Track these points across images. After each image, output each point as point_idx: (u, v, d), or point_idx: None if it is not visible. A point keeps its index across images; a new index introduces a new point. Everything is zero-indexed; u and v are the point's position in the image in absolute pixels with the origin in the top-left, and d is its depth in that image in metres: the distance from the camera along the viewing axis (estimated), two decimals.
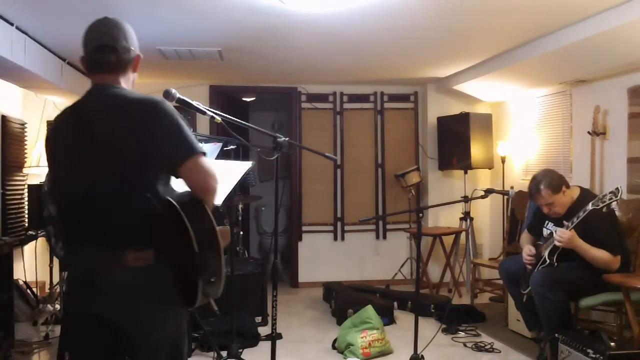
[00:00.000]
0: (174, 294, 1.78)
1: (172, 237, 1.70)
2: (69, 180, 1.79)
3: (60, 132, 1.84)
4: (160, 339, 1.79)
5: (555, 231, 3.36)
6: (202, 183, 1.73)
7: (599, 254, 3.27)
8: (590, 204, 3.14)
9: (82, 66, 1.86)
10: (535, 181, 3.48)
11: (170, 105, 1.77)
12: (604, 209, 3.11)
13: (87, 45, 1.83)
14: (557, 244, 3.30)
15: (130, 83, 1.88)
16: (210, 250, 1.73)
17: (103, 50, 1.79)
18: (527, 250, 3.63)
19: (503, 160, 5.67)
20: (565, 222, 3.35)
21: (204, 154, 1.74)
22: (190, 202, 1.73)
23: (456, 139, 5.80)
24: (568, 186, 3.49)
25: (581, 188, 3.60)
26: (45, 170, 4.25)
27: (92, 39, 1.82)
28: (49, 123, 5.04)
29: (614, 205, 3.22)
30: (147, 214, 1.70)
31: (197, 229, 1.68)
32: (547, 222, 3.63)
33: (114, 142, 1.71)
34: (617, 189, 3.03)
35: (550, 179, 3.43)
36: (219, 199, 2.48)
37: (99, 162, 1.71)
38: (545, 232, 3.61)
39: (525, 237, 3.84)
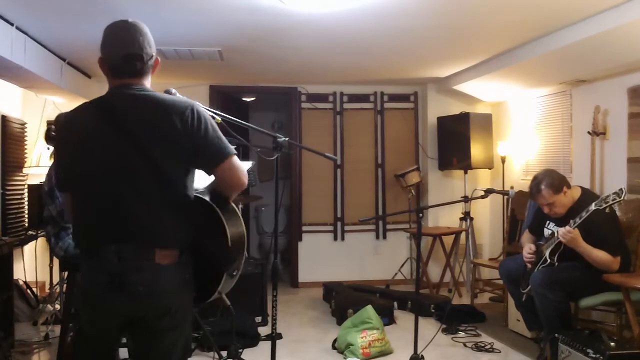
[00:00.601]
0: (192, 290, 1.86)
1: (204, 233, 1.80)
2: (98, 180, 1.78)
3: (84, 127, 1.82)
4: (176, 337, 1.86)
5: (557, 231, 3.36)
6: (237, 180, 1.83)
7: (600, 255, 3.27)
8: (593, 204, 3.14)
9: (102, 68, 1.87)
10: (536, 181, 3.48)
11: (202, 108, 1.85)
12: (607, 210, 3.11)
13: (113, 51, 1.83)
14: (562, 239, 3.29)
15: (150, 84, 1.91)
16: (239, 245, 1.87)
17: (132, 58, 1.81)
18: (528, 248, 3.63)
19: (503, 160, 5.67)
20: (571, 220, 3.34)
21: (236, 154, 1.85)
22: (220, 199, 1.85)
23: (456, 139, 5.80)
24: (569, 186, 3.49)
25: (582, 188, 3.60)
26: (45, 170, 4.26)
27: (120, 46, 1.82)
28: (49, 123, 5.04)
29: (615, 205, 3.22)
30: (180, 212, 1.79)
31: (231, 225, 1.81)
32: (548, 222, 3.63)
33: (153, 142, 1.75)
34: (620, 189, 3.03)
35: (551, 179, 3.43)
36: None
37: (136, 162, 1.75)
38: (546, 232, 3.61)
39: (526, 237, 3.84)
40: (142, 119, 1.77)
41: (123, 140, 1.75)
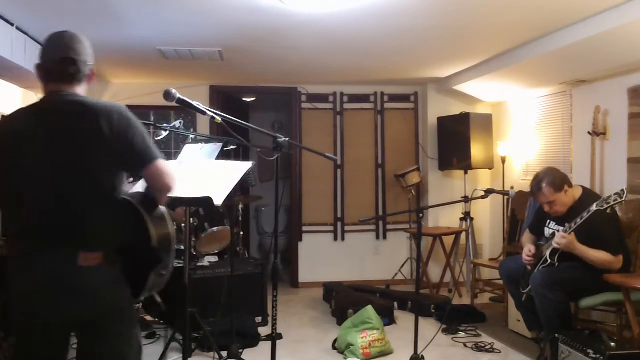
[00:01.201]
0: (126, 289, 1.92)
1: (131, 234, 1.88)
2: (25, 184, 1.82)
3: (14, 134, 1.87)
4: (120, 332, 1.92)
5: (558, 230, 3.36)
6: (162, 184, 1.91)
7: (598, 255, 3.27)
8: (594, 204, 3.14)
9: (38, 73, 1.92)
10: (537, 179, 3.48)
11: (130, 111, 1.90)
12: (608, 210, 3.11)
13: (48, 55, 1.90)
14: (556, 245, 3.30)
15: (84, 93, 1.95)
16: (165, 245, 1.94)
17: (66, 62, 1.87)
18: (527, 250, 3.63)
19: (503, 160, 5.67)
20: (566, 224, 3.35)
21: (163, 158, 1.93)
22: (147, 201, 1.93)
23: (456, 139, 5.80)
24: (570, 185, 3.49)
25: (583, 188, 3.59)
26: None
27: (56, 51, 1.89)
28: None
29: (616, 206, 3.21)
30: (109, 214, 1.85)
31: (155, 225, 1.89)
32: (548, 221, 3.63)
33: (80, 146, 1.81)
34: (622, 190, 3.03)
35: (552, 177, 3.43)
36: (219, 199, 2.49)
37: (65, 166, 1.80)
38: (547, 231, 3.61)
39: (526, 236, 3.83)
40: (71, 124, 1.82)
41: (52, 146, 1.80)
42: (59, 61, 1.87)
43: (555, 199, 3.42)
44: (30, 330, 1.86)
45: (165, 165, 1.91)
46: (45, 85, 1.91)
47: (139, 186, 2.49)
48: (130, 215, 1.89)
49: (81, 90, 1.93)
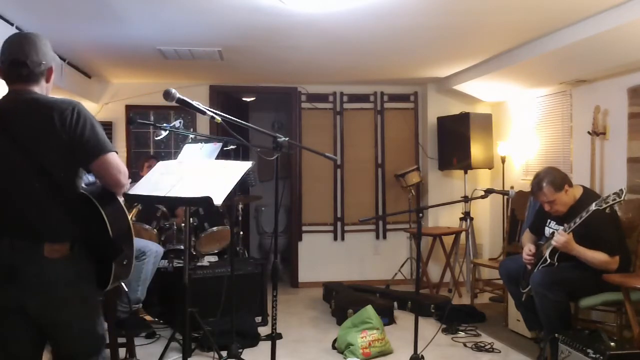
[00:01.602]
0: (91, 280, 2.01)
1: (90, 226, 1.95)
2: None
3: None
4: (84, 326, 2.00)
5: (558, 230, 3.36)
6: (111, 177, 1.98)
7: (595, 256, 3.27)
8: (593, 204, 3.14)
9: (0, 75, 2.04)
10: (537, 178, 3.48)
11: (85, 108, 1.98)
12: (607, 210, 3.11)
13: (3, 57, 2.00)
14: (555, 244, 3.30)
15: (44, 91, 2.04)
16: (124, 236, 2.03)
17: (16, 64, 1.97)
18: (527, 249, 3.63)
19: (503, 160, 5.67)
20: (565, 224, 3.35)
21: (116, 152, 2.00)
22: (104, 194, 2.01)
23: (456, 139, 5.80)
24: (571, 185, 3.49)
25: (584, 188, 3.60)
26: None
27: (9, 53, 1.99)
28: None
29: (615, 205, 3.22)
30: (66, 207, 1.93)
31: (112, 217, 1.97)
32: (549, 220, 3.63)
33: (34, 141, 1.90)
34: (621, 190, 3.03)
35: (553, 177, 3.43)
36: (219, 199, 2.49)
37: (20, 161, 1.89)
38: (547, 231, 3.61)
39: (526, 236, 3.83)
40: (26, 121, 1.92)
41: (8, 142, 1.90)
42: (10, 63, 1.97)
43: (555, 199, 3.42)
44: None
45: (115, 159, 1.97)
46: (8, 86, 2.01)
47: (140, 186, 2.50)
48: (86, 208, 1.96)
49: (39, 87, 2.01)
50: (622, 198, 3.02)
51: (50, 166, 1.91)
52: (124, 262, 2.04)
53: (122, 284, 2.08)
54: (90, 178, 2.30)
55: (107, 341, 2.15)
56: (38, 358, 2.05)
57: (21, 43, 1.98)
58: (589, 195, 3.49)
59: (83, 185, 2.05)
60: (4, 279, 1.89)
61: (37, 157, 1.89)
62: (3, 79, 2.01)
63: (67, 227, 1.93)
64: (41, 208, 1.91)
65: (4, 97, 2.00)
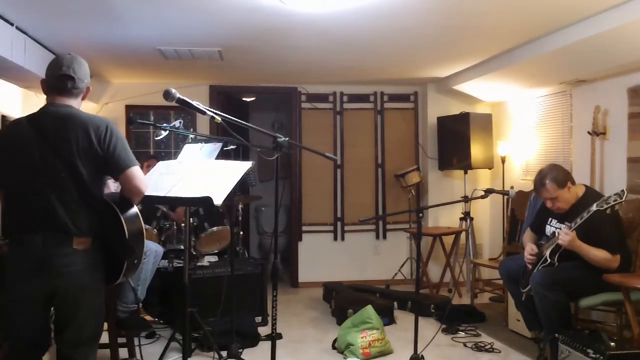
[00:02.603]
0: (102, 273, 2.29)
1: (109, 228, 2.24)
2: (27, 181, 2.19)
3: (18, 138, 2.23)
4: (92, 307, 2.28)
5: (560, 228, 3.37)
6: (134, 187, 2.27)
7: (598, 254, 3.28)
8: (594, 205, 3.14)
9: (42, 87, 2.32)
10: (541, 175, 3.49)
11: (115, 125, 2.29)
12: (608, 211, 3.11)
13: (51, 72, 2.29)
14: (560, 242, 3.30)
15: (79, 106, 2.33)
16: (137, 238, 2.31)
17: (64, 78, 2.26)
18: (529, 249, 3.63)
19: (503, 160, 5.67)
20: (567, 223, 3.35)
21: (140, 166, 2.33)
22: (122, 201, 2.30)
23: (456, 139, 5.80)
24: (573, 183, 3.49)
25: (586, 187, 3.60)
26: None
27: (57, 68, 2.27)
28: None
29: (617, 206, 3.22)
30: (93, 209, 2.22)
31: (129, 222, 2.26)
32: (550, 219, 3.63)
33: (71, 151, 2.16)
34: (622, 191, 3.04)
35: (556, 173, 3.45)
36: (219, 199, 2.50)
37: (58, 168, 2.17)
38: (549, 229, 3.61)
39: (527, 235, 3.84)
40: (64, 132, 2.18)
41: (48, 150, 2.18)
42: (58, 77, 2.26)
43: (558, 195, 3.43)
44: (20, 299, 2.22)
45: (139, 171, 2.28)
46: (47, 98, 2.29)
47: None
48: (108, 211, 2.25)
49: (76, 103, 2.30)
50: (623, 199, 3.03)
51: (83, 174, 2.18)
52: (135, 262, 2.31)
53: (130, 280, 2.48)
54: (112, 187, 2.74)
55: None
56: (46, 342, 2.31)
57: (71, 61, 2.28)
58: (591, 194, 3.49)
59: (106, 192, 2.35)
60: (34, 273, 2.15)
61: (72, 165, 2.17)
62: (45, 91, 2.29)
63: (92, 224, 2.22)
64: (72, 208, 2.18)
65: (42, 108, 2.27)
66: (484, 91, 5.68)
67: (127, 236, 2.23)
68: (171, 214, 4.77)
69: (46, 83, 2.30)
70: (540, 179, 3.48)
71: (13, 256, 2.23)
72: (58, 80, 2.26)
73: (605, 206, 3.08)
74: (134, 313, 3.46)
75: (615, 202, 3.05)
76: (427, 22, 3.68)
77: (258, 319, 4.60)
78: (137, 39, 4.09)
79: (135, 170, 2.26)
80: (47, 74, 2.30)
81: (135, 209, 2.34)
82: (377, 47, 4.39)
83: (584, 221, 3.22)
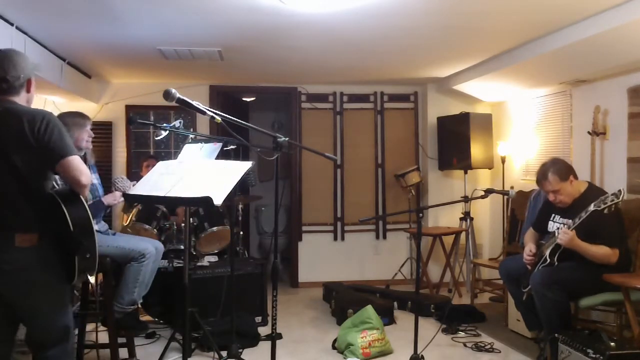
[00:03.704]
0: (58, 270, 2.24)
1: (54, 222, 2.19)
2: None
3: None
4: (51, 306, 2.26)
5: (563, 224, 3.37)
6: (72, 177, 2.21)
7: (597, 250, 3.29)
8: (592, 205, 3.15)
9: None
10: (544, 167, 3.51)
11: (55, 117, 2.24)
12: (605, 211, 3.12)
13: None
14: (559, 241, 3.30)
15: (25, 100, 2.31)
16: (84, 231, 2.24)
17: None
18: (528, 249, 3.63)
19: (503, 160, 5.67)
20: (567, 221, 3.35)
21: (79, 156, 2.26)
22: (69, 194, 2.26)
23: (456, 139, 5.80)
24: (576, 177, 3.51)
25: (589, 183, 3.62)
26: None
27: None
28: None
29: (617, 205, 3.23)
30: (35, 204, 2.18)
31: (73, 213, 2.21)
32: (553, 215, 3.63)
33: (8, 144, 2.14)
34: (619, 190, 3.05)
35: (559, 166, 3.47)
36: (219, 199, 2.49)
37: None
38: (552, 225, 3.61)
39: (529, 234, 3.84)
40: (4, 128, 2.16)
41: None
42: None
43: (560, 188, 3.44)
44: None
45: (75, 161, 2.21)
46: None
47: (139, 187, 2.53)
48: (52, 206, 2.20)
49: (20, 98, 2.27)
50: (620, 199, 3.04)
51: (21, 167, 2.15)
52: (87, 256, 2.26)
53: (90, 278, 2.38)
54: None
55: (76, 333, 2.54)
56: (11, 336, 2.34)
57: (2, 61, 2.24)
58: (593, 190, 3.50)
59: (56, 186, 2.29)
60: None
61: (11, 159, 2.14)
62: None
63: (36, 220, 2.18)
64: (13, 204, 2.16)
65: None
66: (484, 91, 5.68)
67: (71, 228, 2.19)
68: (171, 217, 4.77)
69: None
70: (543, 172, 3.50)
71: None
72: None
73: (603, 206, 3.09)
74: (132, 314, 3.45)
75: (613, 202, 3.06)
76: (427, 22, 3.68)
77: (258, 319, 4.60)
78: (137, 39, 4.09)
79: (72, 160, 2.20)
80: None
81: (82, 201, 2.28)
82: (377, 47, 4.39)
83: (583, 221, 3.22)
